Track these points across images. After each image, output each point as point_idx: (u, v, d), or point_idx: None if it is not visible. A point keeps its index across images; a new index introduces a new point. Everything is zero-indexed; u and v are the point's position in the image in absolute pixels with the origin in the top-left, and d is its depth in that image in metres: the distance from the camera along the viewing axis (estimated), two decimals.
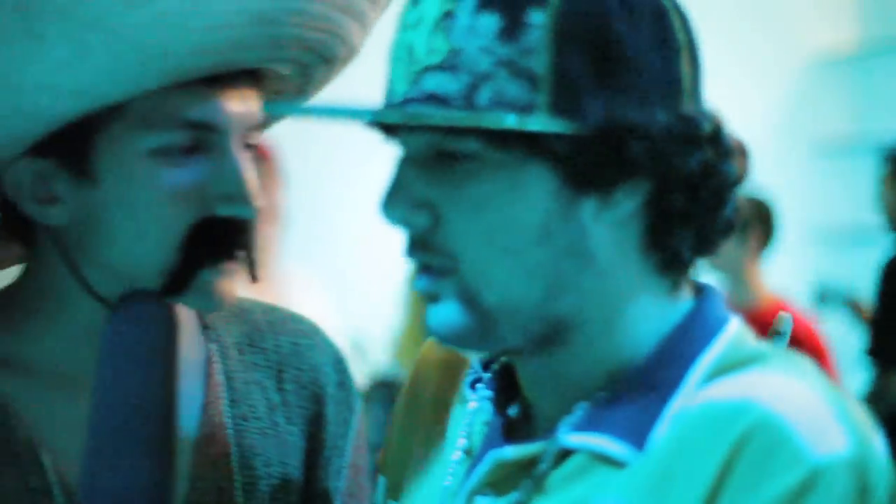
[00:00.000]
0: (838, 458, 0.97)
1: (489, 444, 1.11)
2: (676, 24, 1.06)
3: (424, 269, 1.07)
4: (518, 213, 1.03)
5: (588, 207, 1.04)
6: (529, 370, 1.10)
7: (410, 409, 1.25)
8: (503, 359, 1.14)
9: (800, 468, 0.96)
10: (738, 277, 3.74)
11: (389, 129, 1.08)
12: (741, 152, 2.12)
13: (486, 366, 1.16)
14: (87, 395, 1.17)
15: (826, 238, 5.93)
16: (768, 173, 2.24)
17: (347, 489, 1.36)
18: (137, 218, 1.19)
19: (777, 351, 1.07)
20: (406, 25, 1.06)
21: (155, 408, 1.08)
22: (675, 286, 1.08)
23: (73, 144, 1.19)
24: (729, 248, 1.97)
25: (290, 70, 1.26)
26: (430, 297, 1.07)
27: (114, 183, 1.20)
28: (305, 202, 4.07)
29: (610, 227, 1.05)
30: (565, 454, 1.06)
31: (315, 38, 1.21)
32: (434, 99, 1.03)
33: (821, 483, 0.96)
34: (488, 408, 1.14)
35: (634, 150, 1.02)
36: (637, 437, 1.03)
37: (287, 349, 1.36)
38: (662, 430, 1.03)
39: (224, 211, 1.20)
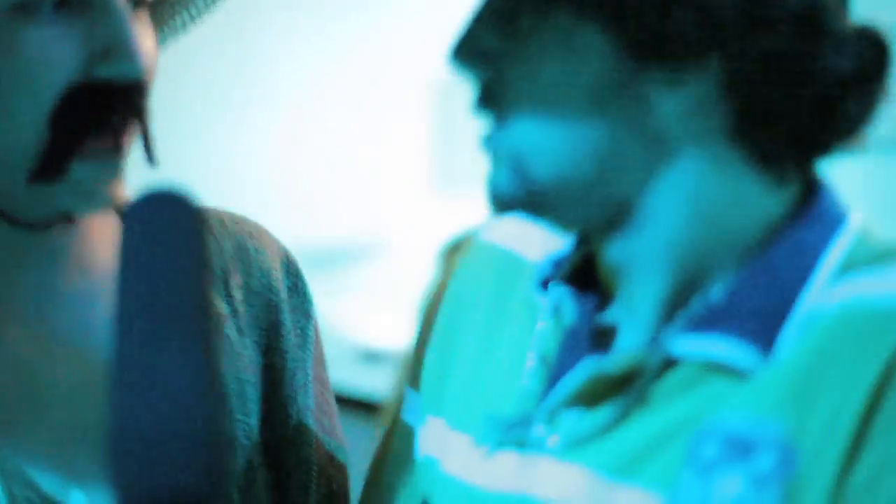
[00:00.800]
0: None
1: (571, 351, 1.01)
2: None
3: (491, 124, 0.99)
4: (571, 73, 0.95)
5: (653, 82, 0.94)
6: (610, 260, 0.99)
7: (453, 315, 1.15)
8: (576, 257, 1.04)
9: None
10: None
11: None
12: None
13: (558, 264, 1.05)
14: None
15: None
16: None
17: (317, 405, 1.24)
18: (1, 87, 1.04)
19: None
20: None
21: (193, 289, 0.85)
22: (777, 181, 0.96)
23: None
24: None
25: None
26: (490, 157, 1.00)
27: None
28: None
29: (682, 107, 0.94)
30: (671, 362, 0.95)
31: None
32: None
33: None
34: (571, 309, 1.02)
35: (682, 21, 0.91)
36: (762, 340, 0.92)
37: (231, 252, 1.22)
38: (792, 333, 0.92)
39: (103, 73, 1.04)
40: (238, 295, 1.21)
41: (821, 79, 0.93)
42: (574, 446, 0.98)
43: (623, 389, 0.96)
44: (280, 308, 1.23)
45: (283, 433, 1.21)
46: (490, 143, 0.99)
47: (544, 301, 1.04)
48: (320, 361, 1.26)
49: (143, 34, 1.07)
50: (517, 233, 1.12)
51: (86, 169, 1.06)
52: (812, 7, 0.92)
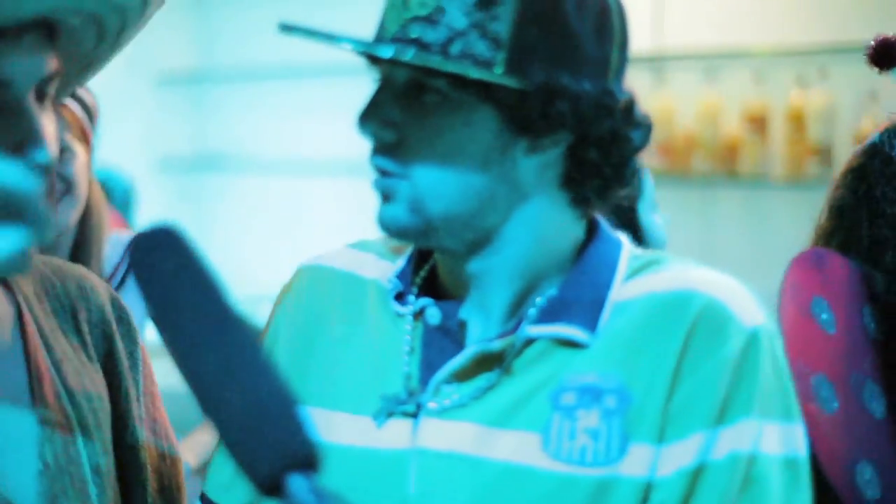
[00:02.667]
0: (762, 326, 1.33)
1: (440, 342, 1.37)
2: (615, 20, 1.34)
3: (383, 173, 1.33)
4: (466, 143, 1.31)
5: (521, 147, 1.32)
6: (468, 273, 1.36)
7: (305, 326, 1.46)
8: (422, 274, 1.42)
9: (741, 336, 1.31)
10: None
11: (374, 60, 1.34)
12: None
13: (401, 280, 1.41)
14: None
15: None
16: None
17: (148, 415, 1.43)
18: None
19: (663, 254, 1.41)
20: None
21: (225, 310, 1.07)
22: (582, 216, 1.38)
23: None
24: None
25: (79, 22, 1.25)
26: (384, 197, 1.34)
27: None
28: None
29: (536, 165, 1.33)
30: (528, 342, 1.34)
31: None
32: (417, 43, 1.29)
33: (755, 344, 1.31)
34: (435, 313, 1.38)
35: (561, 107, 1.29)
36: (590, 323, 1.33)
37: (75, 292, 1.40)
38: (607, 317, 1.34)
39: (29, 160, 1.18)
40: (84, 328, 1.39)
41: (625, 149, 1.35)
42: (458, 408, 1.35)
43: (492, 365, 1.35)
44: (113, 337, 1.41)
45: (123, 441, 1.41)
46: (386, 185, 1.33)
47: (405, 309, 1.40)
48: (149, 378, 1.45)
49: (48, 124, 1.22)
50: (351, 258, 1.48)
51: (11, 236, 1.20)
52: (631, 101, 1.35)
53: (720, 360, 1.30)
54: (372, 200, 1.37)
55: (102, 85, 2.10)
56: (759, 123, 4.33)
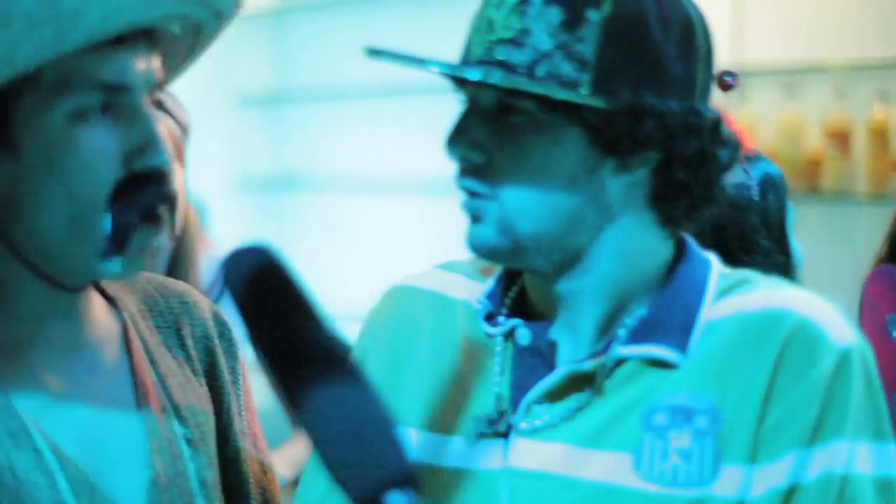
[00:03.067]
0: (853, 345, 1.32)
1: (531, 362, 1.37)
2: (700, 37, 1.33)
3: (471, 194, 1.34)
4: (554, 163, 1.31)
5: (608, 167, 1.32)
6: (557, 293, 1.36)
7: (396, 346, 1.47)
8: (511, 295, 1.42)
9: (833, 355, 1.30)
10: None
11: (461, 83, 1.34)
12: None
13: (491, 300, 1.42)
14: (34, 368, 1.27)
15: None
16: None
17: (249, 429, 1.47)
18: (63, 181, 1.21)
19: (751, 273, 1.40)
20: (489, 4, 1.32)
21: (320, 328, 1.11)
22: (670, 236, 1.37)
23: None
24: None
25: (180, 29, 1.29)
26: (473, 218, 1.35)
27: (35, 151, 1.21)
28: None
29: (624, 185, 1.33)
30: (619, 362, 1.34)
31: None
32: (504, 65, 1.29)
33: (847, 363, 1.31)
34: (525, 333, 1.38)
35: (649, 127, 1.29)
36: (681, 343, 1.33)
37: (178, 308, 1.43)
38: (697, 336, 1.34)
39: (141, 165, 1.23)
40: (188, 343, 1.42)
41: (713, 168, 1.34)
42: (549, 428, 1.35)
43: (583, 386, 1.35)
44: (216, 352, 1.44)
45: (224, 454, 1.44)
46: (474, 207, 1.34)
47: (495, 329, 1.41)
48: (248, 393, 1.48)
49: (160, 125, 1.26)
50: (440, 279, 1.49)
51: (139, 237, 1.26)
52: (718, 119, 1.34)
53: (813, 380, 1.29)
54: (452, 218, 1.41)
55: (183, 104, 2.17)
56: (841, 139, 4.28)
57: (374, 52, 1.33)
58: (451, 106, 1.37)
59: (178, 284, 1.47)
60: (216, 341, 1.45)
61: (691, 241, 1.41)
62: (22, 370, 1.28)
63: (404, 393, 1.43)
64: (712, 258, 1.41)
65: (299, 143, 6.08)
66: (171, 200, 1.27)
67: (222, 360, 1.44)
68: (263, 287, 1.12)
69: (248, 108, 6.08)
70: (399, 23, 5.02)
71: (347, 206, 5.77)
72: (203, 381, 1.42)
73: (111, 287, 1.38)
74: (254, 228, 5.71)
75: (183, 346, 1.42)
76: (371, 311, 1.52)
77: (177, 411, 1.36)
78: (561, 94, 1.27)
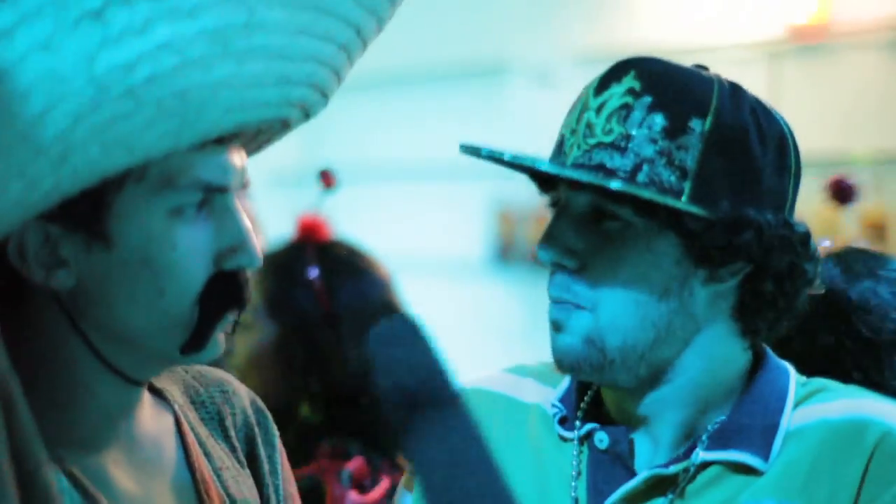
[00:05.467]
0: None
1: (610, 466, 1.34)
2: (792, 153, 1.34)
3: (560, 302, 1.32)
4: (649, 272, 1.30)
5: (699, 277, 1.31)
6: (640, 405, 1.35)
7: None
8: (587, 399, 1.40)
9: None
10: None
11: (548, 185, 1.35)
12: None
13: (565, 404, 1.40)
14: (106, 464, 1.25)
15: None
16: None
17: None
18: (157, 276, 1.20)
19: (829, 381, 1.38)
20: (588, 108, 1.32)
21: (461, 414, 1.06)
22: (751, 346, 1.37)
23: (88, 208, 1.17)
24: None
25: (272, 126, 1.27)
26: (557, 327, 1.33)
27: (132, 245, 1.19)
28: None
29: (711, 295, 1.33)
30: (702, 467, 1.33)
31: (312, 99, 1.23)
32: (602, 169, 1.29)
33: None
34: (604, 437, 1.36)
35: (746, 238, 1.28)
36: (763, 449, 1.32)
37: (219, 398, 1.42)
38: (780, 443, 1.32)
39: (230, 264, 1.23)
40: (231, 433, 1.41)
41: (799, 282, 1.33)
42: None
43: (665, 490, 1.33)
44: (255, 440, 1.43)
45: None
46: (563, 315, 1.32)
47: (571, 433, 1.39)
48: (289, 481, 1.46)
49: (250, 225, 1.25)
50: (510, 382, 1.48)
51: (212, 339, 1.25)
52: (808, 234, 1.34)
53: None
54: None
55: None
56: (878, 231, 4.33)
57: (470, 150, 1.32)
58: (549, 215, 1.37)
59: (215, 372, 1.46)
60: (256, 430, 1.43)
61: (768, 350, 1.40)
62: (92, 465, 1.25)
63: None
64: (790, 367, 1.40)
65: (331, 221, 5.72)
66: (246, 303, 1.27)
67: (262, 451, 1.43)
68: (407, 362, 1.06)
69: (277, 189, 5.92)
70: (430, 104, 4.83)
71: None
72: (248, 471, 1.41)
73: (156, 379, 1.36)
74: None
75: (227, 436, 1.40)
76: None
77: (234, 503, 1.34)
78: (666, 201, 1.26)
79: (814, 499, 1.29)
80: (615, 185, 1.24)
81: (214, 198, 1.23)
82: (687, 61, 1.37)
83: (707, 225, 1.28)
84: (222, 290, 1.23)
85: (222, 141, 1.21)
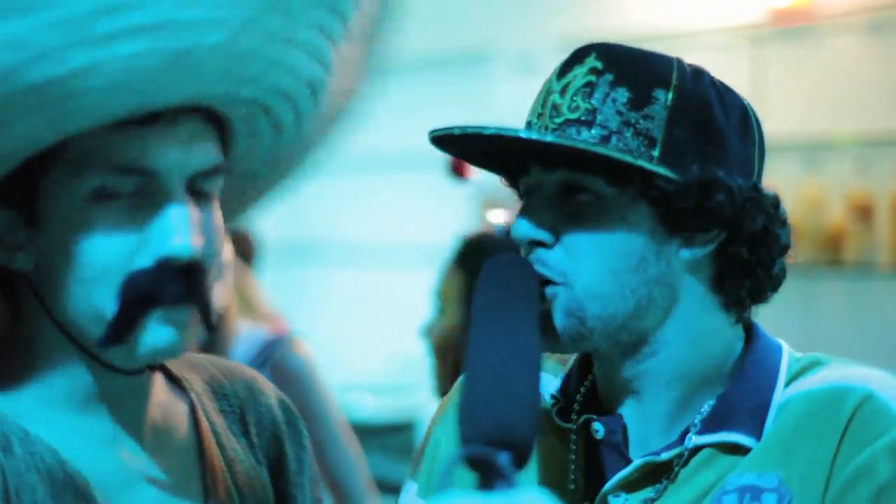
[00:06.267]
0: None
1: (608, 454, 1.37)
2: (755, 125, 1.36)
3: (540, 283, 1.32)
4: (624, 242, 1.31)
5: (674, 245, 1.33)
6: (624, 377, 1.36)
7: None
8: (582, 390, 1.42)
9: None
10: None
11: (518, 171, 1.36)
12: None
13: (563, 396, 1.42)
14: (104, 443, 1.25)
15: None
16: None
17: None
18: (76, 261, 1.18)
19: (824, 356, 1.38)
20: (551, 92, 1.35)
21: (533, 337, 1.19)
22: (737, 321, 1.37)
23: (18, 191, 1.18)
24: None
25: (243, 112, 1.22)
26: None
27: (55, 227, 1.18)
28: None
29: (688, 265, 1.34)
30: (694, 451, 1.34)
31: (254, 71, 1.17)
32: (574, 143, 1.30)
33: None
34: (600, 427, 1.37)
35: (718, 200, 1.30)
36: (755, 429, 1.33)
37: (244, 394, 1.40)
38: (771, 421, 1.33)
39: (164, 254, 1.18)
40: (253, 430, 1.39)
41: (773, 248, 1.34)
42: None
43: (659, 476, 1.34)
44: (282, 440, 1.41)
45: None
46: (542, 294, 1.32)
47: (568, 424, 1.40)
48: (315, 482, 1.45)
49: (203, 219, 1.20)
50: None
51: (158, 329, 1.20)
52: (777, 199, 1.35)
53: (877, 450, 1.28)
54: None
55: None
56: (864, 212, 4.32)
57: (443, 131, 1.34)
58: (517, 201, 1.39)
59: (246, 370, 1.45)
60: (283, 429, 1.42)
61: (760, 327, 1.41)
62: (89, 452, 1.24)
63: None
64: (783, 343, 1.41)
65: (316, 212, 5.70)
66: (198, 300, 1.21)
67: (290, 450, 1.42)
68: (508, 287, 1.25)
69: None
70: (414, 93, 4.81)
71: (362, 279, 5.43)
72: (265, 470, 1.39)
73: (175, 367, 1.36)
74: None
75: (246, 431, 1.39)
76: (442, 403, 1.52)
77: (241, 497, 1.34)
78: (639, 162, 1.28)
79: (794, 466, 1.30)
80: (590, 143, 1.28)
81: (153, 184, 1.18)
82: (669, 46, 1.40)
83: (678, 188, 1.30)
84: (152, 283, 1.18)
85: (151, 123, 1.17)
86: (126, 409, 1.28)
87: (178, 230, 1.18)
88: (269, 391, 1.43)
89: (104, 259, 1.18)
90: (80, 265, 1.18)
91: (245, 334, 2.55)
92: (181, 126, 1.19)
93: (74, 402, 1.26)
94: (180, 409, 1.34)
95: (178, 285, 1.19)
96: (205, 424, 1.34)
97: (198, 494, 1.30)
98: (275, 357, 2.65)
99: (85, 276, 1.18)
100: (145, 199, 1.19)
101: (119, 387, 1.27)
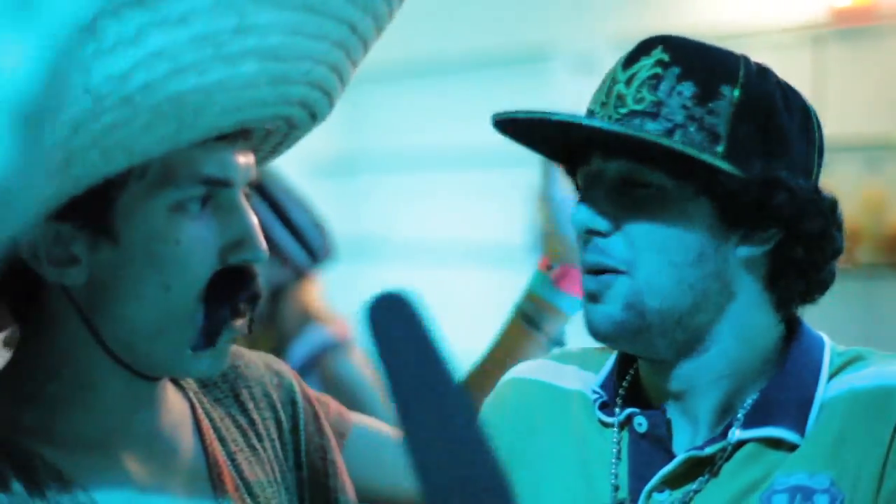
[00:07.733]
0: None
1: (650, 449, 1.37)
2: (815, 127, 1.36)
3: (594, 271, 1.33)
4: (684, 235, 1.31)
5: (733, 242, 1.33)
6: (673, 377, 1.36)
7: (511, 437, 1.47)
8: (625, 384, 1.42)
9: None
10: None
11: (578, 160, 1.37)
12: None
13: (605, 389, 1.43)
14: (121, 459, 1.27)
15: None
16: None
17: (343, 483, 1.48)
18: (161, 272, 1.21)
19: (865, 350, 1.37)
20: (616, 81, 1.34)
21: (447, 379, 1.02)
22: (783, 319, 1.38)
23: (94, 206, 1.19)
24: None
25: (277, 126, 1.30)
26: (593, 297, 1.34)
27: (135, 241, 1.21)
28: None
29: (745, 262, 1.34)
30: (738, 445, 1.34)
31: (313, 97, 1.25)
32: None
33: None
34: (643, 421, 1.37)
35: (780, 199, 1.30)
36: (799, 424, 1.32)
37: (232, 374, 1.44)
38: (814, 416, 1.32)
39: (235, 259, 1.25)
40: (249, 405, 1.43)
41: (828, 250, 1.35)
42: None
43: (703, 470, 1.34)
44: (276, 404, 1.46)
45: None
46: (600, 283, 1.33)
47: (611, 418, 1.41)
48: (320, 425, 1.49)
49: (256, 220, 1.27)
50: (553, 370, 1.51)
51: (226, 334, 1.27)
52: (836, 202, 1.36)
53: None
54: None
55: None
56: None
57: (507, 121, 1.34)
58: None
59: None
60: (273, 393, 1.46)
61: (803, 322, 1.41)
62: (107, 462, 1.28)
63: (522, 485, 1.43)
64: (825, 337, 1.41)
65: (371, 210, 5.79)
66: (256, 298, 1.28)
67: (282, 410, 1.45)
68: (399, 335, 1.02)
69: (320, 177, 6.00)
70: (471, 92, 4.84)
71: (419, 275, 5.50)
72: (268, 444, 1.43)
73: None
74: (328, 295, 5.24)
75: (244, 410, 1.43)
76: (486, 404, 1.53)
77: (248, 488, 1.37)
78: (703, 157, 1.28)
79: (845, 467, 1.29)
80: (655, 135, 1.28)
81: (219, 193, 1.25)
82: (728, 46, 1.38)
83: (741, 185, 1.29)
84: (227, 285, 1.25)
85: (225, 138, 1.23)
86: (144, 418, 1.32)
87: (253, 236, 1.26)
88: (255, 361, 1.48)
89: (191, 266, 1.23)
90: (165, 275, 1.22)
91: (304, 335, 2.57)
92: (239, 140, 1.26)
93: (98, 418, 1.28)
94: (184, 412, 1.37)
95: (250, 289, 1.27)
96: (205, 423, 1.38)
97: (207, 491, 1.34)
98: (325, 361, 2.65)
99: (169, 285, 1.22)
100: (217, 208, 1.25)
101: (144, 396, 1.31)
